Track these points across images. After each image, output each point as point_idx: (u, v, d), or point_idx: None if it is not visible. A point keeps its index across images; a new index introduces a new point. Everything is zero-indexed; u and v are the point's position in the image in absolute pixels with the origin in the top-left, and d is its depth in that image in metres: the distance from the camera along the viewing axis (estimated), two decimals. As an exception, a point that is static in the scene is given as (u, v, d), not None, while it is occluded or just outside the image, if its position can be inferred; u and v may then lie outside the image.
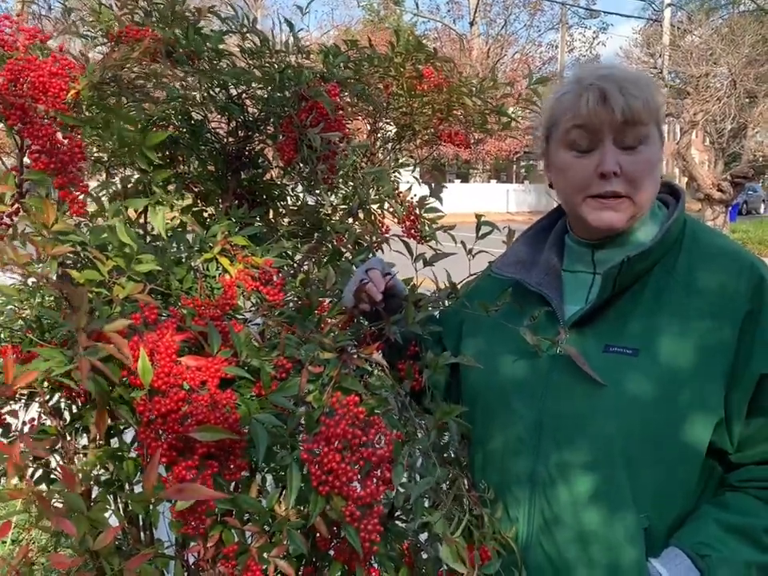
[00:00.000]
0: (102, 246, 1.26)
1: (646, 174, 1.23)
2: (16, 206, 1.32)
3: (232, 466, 1.09)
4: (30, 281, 1.43)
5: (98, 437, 1.25)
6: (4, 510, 3.47)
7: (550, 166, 1.35)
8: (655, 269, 1.24)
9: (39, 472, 1.32)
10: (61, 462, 1.31)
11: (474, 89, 1.79)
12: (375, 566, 1.21)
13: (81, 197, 1.28)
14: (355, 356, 1.29)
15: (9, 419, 1.27)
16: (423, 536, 1.36)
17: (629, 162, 1.21)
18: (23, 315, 1.38)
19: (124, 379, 1.08)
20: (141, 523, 1.45)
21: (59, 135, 1.28)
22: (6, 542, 3.19)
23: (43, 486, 1.30)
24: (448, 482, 1.21)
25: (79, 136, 1.33)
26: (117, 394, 1.10)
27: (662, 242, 1.22)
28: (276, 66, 1.60)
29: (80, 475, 1.16)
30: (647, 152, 1.23)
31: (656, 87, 1.27)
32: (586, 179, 1.24)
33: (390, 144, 2.03)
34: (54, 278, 1.21)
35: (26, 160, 1.31)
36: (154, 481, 0.93)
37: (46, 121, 1.27)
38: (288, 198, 1.91)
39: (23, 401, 1.33)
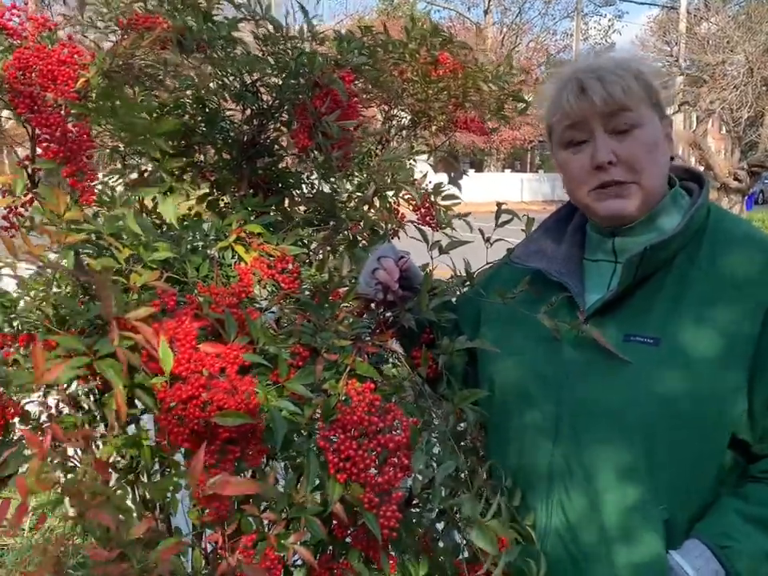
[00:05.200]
0: (117, 235, 1.26)
1: (644, 157, 1.21)
2: (29, 196, 1.32)
3: (251, 452, 1.09)
4: (47, 271, 1.43)
5: (116, 424, 1.25)
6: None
7: (558, 166, 1.34)
8: (678, 257, 1.22)
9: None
10: (78, 451, 1.32)
11: (489, 74, 1.78)
12: (393, 553, 1.21)
13: (91, 185, 1.27)
14: (370, 343, 1.29)
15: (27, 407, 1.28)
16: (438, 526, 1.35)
17: (624, 149, 1.20)
18: (40, 305, 1.38)
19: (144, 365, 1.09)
20: (157, 511, 1.46)
21: (69, 124, 1.27)
22: (23, 529, 3.22)
23: (58, 474, 1.30)
24: (467, 470, 1.20)
25: (88, 124, 1.32)
26: (137, 380, 1.10)
27: (685, 230, 1.21)
28: (290, 53, 1.59)
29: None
30: (642, 135, 1.21)
31: (647, 67, 1.25)
32: (583, 174, 1.24)
33: (405, 132, 2.02)
34: (71, 266, 1.21)
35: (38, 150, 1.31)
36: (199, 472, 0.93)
37: (54, 109, 1.26)
38: (303, 186, 1.91)
39: (42, 390, 1.33)
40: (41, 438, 0.96)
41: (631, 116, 1.20)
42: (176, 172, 1.44)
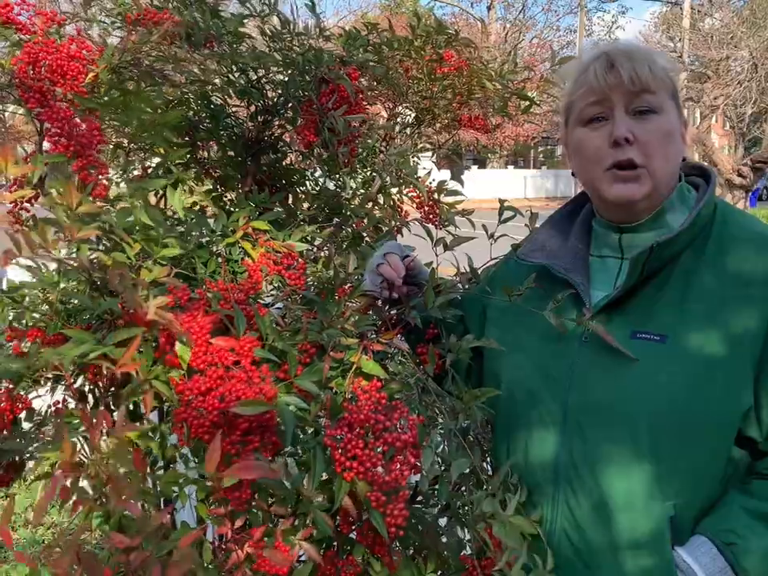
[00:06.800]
0: (128, 230, 1.26)
1: (660, 143, 1.21)
2: (35, 191, 1.33)
3: (267, 443, 1.10)
4: (52, 266, 1.44)
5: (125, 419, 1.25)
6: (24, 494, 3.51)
7: (569, 149, 1.34)
8: (684, 253, 1.22)
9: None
10: (85, 445, 1.32)
11: (494, 72, 1.78)
12: (397, 548, 1.21)
13: (102, 180, 1.28)
14: (376, 341, 1.29)
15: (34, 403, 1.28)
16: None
17: (642, 130, 1.20)
18: (48, 299, 1.38)
19: (159, 359, 1.10)
20: (161, 505, 1.46)
21: (77, 119, 1.28)
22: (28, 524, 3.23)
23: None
24: (473, 467, 1.21)
25: (98, 119, 1.33)
26: (155, 373, 1.10)
27: (692, 227, 1.20)
28: (297, 49, 1.60)
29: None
30: (660, 120, 1.22)
31: (671, 63, 1.26)
32: (600, 150, 1.23)
33: (409, 129, 2.02)
34: (85, 261, 1.21)
35: (45, 145, 1.32)
36: (216, 462, 0.93)
37: (64, 104, 1.27)
38: (307, 182, 1.91)
39: (49, 384, 1.34)
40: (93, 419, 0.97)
41: (653, 99, 1.21)
42: (178, 163, 1.44)
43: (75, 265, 1.16)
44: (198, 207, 1.67)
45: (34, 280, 1.34)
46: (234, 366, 1.10)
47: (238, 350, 1.12)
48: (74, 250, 1.17)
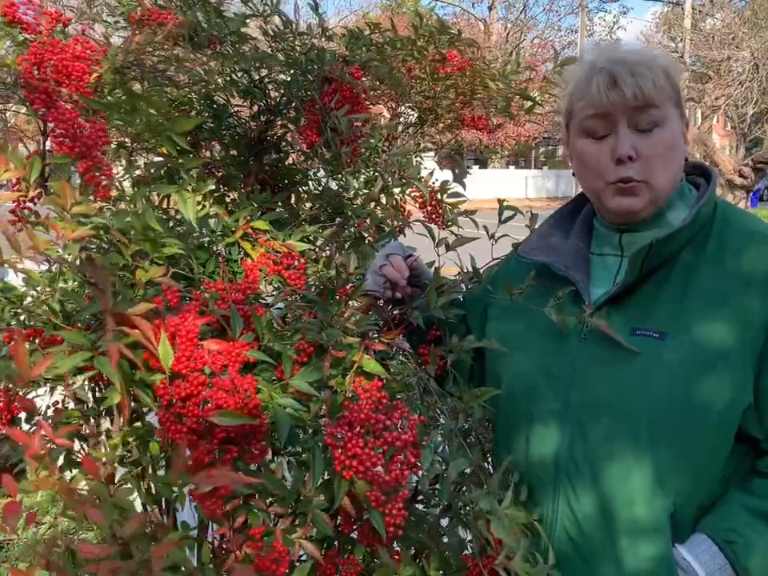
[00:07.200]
0: (124, 230, 1.26)
1: (662, 156, 1.21)
2: (38, 190, 1.33)
3: (253, 450, 1.09)
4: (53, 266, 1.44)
5: (122, 420, 1.25)
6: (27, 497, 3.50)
7: (571, 152, 1.34)
8: (684, 251, 1.22)
9: (62, 458, 1.33)
10: (84, 446, 1.32)
11: (497, 72, 1.78)
12: (397, 548, 1.21)
13: (106, 181, 1.27)
14: (377, 341, 1.29)
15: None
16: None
17: (645, 144, 1.20)
18: (46, 300, 1.38)
19: (146, 362, 1.08)
20: (163, 505, 1.46)
21: (81, 119, 1.28)
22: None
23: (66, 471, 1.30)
24: (474, 466, 1.21)
25: (103, 120, 1.32)
26: (138, 376, 1.09)
27: (692, 225, 1.20)
28: (299, 49, 1.60)
29: (104, 459, 1.17)
30: (663, 134, 1.21)
31: (673, 66, 1.25)
32: (602, 165, 1.23)
33: (412, 129, 2.02)
34: (77, 262, 1.21)
35: (48, 144, 1.32)
36: (182, 466, 0.92)
37: (69, 105, 1.26)
38: (310, 182, 1.91)
39: (48, 385, 1.34)
40: (31, 437, 0.96)
41: (656, 113, 1.20)
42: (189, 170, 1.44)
43: (77, 264, 1.16)
44: (205, 211, 1.67)
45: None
46: (223, 370, 1.09)
47: (225, 354, 1.10)
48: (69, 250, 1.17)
